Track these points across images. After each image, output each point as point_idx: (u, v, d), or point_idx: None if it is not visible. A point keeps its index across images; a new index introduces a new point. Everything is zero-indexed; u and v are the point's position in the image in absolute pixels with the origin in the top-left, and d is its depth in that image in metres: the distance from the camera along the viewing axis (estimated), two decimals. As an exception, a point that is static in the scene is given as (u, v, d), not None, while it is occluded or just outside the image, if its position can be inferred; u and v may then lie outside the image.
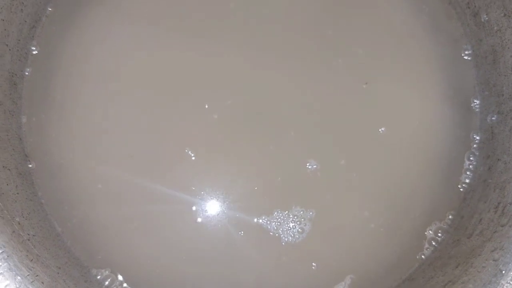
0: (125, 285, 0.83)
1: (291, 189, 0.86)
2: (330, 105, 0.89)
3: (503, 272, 0.68)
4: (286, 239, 0.85)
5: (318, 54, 0.90)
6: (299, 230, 0.85)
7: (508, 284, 0.67)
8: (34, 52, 0.89)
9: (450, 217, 0.87)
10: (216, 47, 0.90)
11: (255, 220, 0.85)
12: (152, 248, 0.84)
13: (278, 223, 0.85)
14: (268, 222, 0.85)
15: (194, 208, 0.85)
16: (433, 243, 0.86)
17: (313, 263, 0.84)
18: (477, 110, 0.90)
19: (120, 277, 0.83)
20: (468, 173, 0.88)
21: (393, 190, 0.87)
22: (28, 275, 0.65)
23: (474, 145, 0.89)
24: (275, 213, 0.85)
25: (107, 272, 0.83)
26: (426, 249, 0.86)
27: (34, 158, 0.86)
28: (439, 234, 0.86)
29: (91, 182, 0.85)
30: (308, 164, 0.87)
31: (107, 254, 0.84)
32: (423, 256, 0.86)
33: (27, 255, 0.68)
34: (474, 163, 0.88)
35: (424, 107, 0.90)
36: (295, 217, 0.85)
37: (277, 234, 0.85)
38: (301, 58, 0.90)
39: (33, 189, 0.84)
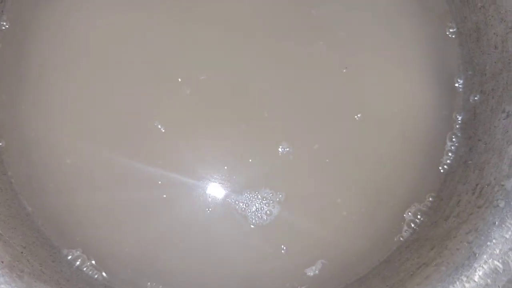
0: (95, 264, 0.81)
1: (261, 171, 0.85)
2: (307, 88, 0.87)
3: (477, 255, 0.67)
4: (253, 220, 0.83)
5: (300, 34, 0.88)
6: (267, 212, 0.83)
7: (481, 268, 0.66)
8: (4, 27, 0.86)
9: (430, 199, 0.86)
10: (193, 21, 0.87)
11: (223, 198, 0.84)
12: (119, 224, 0.83)
13: (246, 204, 0.83)
14: (236, 202, 0.84)
15: (160, 182, 0.84)
16: (412, 225, 0.85)
17: (282, 246, 0.83)
18: (460, 90, 0.88)
19: (91, 258, 0.82)
20: (449, 154, 0.87)
21: (371, 174, 0.86)
22: (-15, 254, 0.64)
23: (457, 126, 0.87)
24: (245, 194, 0.84)
25: (78, 252, 0.82)
26: (405, 231, 0.85)
27: (4, 135, 0.84)
28: (418, 216, 0.85)
29: (61, 158, 0.83)
30: (280, 147, 0.85)
31: (79, 233, 0.83)
32: (401, 239, 0.85)
33: (-14, 234, 0.67)
34: (456, 144, 0.86)
35: (407, 88, 0.88)
36: (264, 199, 0.83)
37: (244, 215, 0.83)
38: (282, 38, 0.88)
39: (3, 168, 0.83)
